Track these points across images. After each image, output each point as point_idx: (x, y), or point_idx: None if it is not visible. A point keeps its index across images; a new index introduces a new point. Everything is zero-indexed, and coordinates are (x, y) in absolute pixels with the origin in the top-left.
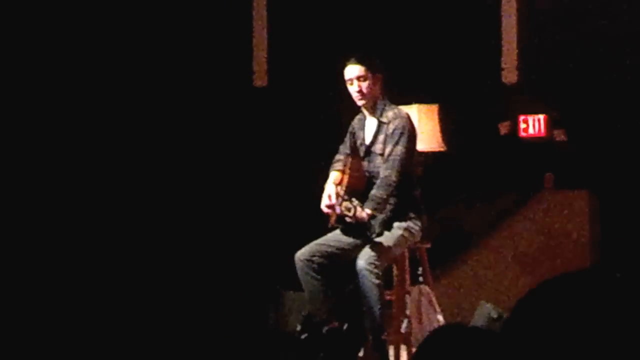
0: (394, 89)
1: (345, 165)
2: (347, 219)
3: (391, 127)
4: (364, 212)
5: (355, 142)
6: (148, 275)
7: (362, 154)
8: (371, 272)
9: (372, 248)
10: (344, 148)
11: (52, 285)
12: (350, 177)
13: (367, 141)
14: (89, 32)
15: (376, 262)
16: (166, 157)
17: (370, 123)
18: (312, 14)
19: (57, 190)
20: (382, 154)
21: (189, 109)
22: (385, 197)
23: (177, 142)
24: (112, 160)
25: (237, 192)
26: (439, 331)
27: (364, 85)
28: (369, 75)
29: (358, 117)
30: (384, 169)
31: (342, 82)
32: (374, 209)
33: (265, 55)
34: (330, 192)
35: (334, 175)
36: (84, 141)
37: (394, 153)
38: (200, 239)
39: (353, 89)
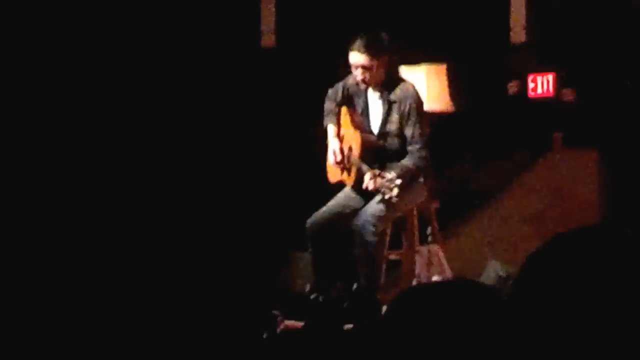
0: (403, 49)
1: (346, 121)
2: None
3: (404, 106)
4: (393, 175)
5: (350, 101)
6: (157, 239)
7: (373, 131)
8: (368, 229)
9: (374, 207)
10: (334, 97)
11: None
12: (363, 136)
13: (377, 121)
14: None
15: (374, 221)
16: (173, 122)
17: (375, 99)
18: None
19: (42, 174)
20: (396, 135)
21: (196, 70)
22: (413, 168)
23: (184, 105)
24: (118, 124)
25: (246, 155)
26: (410, 291)
27: (368, 74)
28: (374, 62)
29: (355, 80)
30: (412, 147)
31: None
32: (399, 175)
33: (274, 16)
34: (335, 148)
35: (332, 129)
36: (85, 109)
37: (417, 133)
38: (209, 201)
39: (357, 74)
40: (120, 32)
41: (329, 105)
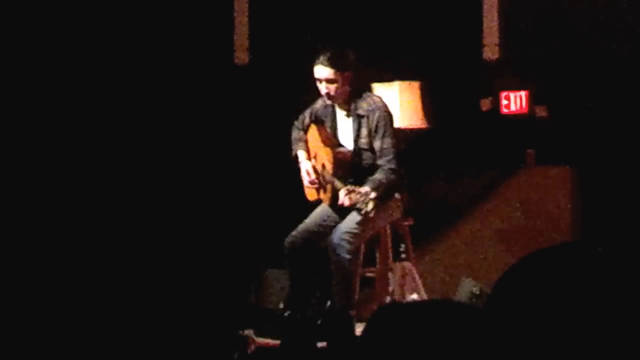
0: (375, 66)
1: (315, 139)
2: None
3: (373, 120)
4: (367, 189)
5: (320, 123)
6: (127, 253)
7: (348, 148)
8: (343, 246)
9: (349, 224)
10: (301, 125)
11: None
12: (334, 152)
13: (348, 138)
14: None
15: (350, 238)
16: (145, 136)
17: (342, 116)
18: None
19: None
20: (369, 149)
21: (170, 87)
22: (385, 182)
23: (156, 120)
24: (86, 139)
25: (218, 170)
26: (384, 309)
27: (332, 87)
28: (338, 76)
29: (322, 103)
30: (381, 161)
31: None
32: (373, 189)
33: (247, 33)
34: (308, 168)
35: (303, 154)
36: (60, 123)
37: (386, 145)
38: (180, 217)
39: (322, 88)
40: (92, 47)
41: (296, 134)
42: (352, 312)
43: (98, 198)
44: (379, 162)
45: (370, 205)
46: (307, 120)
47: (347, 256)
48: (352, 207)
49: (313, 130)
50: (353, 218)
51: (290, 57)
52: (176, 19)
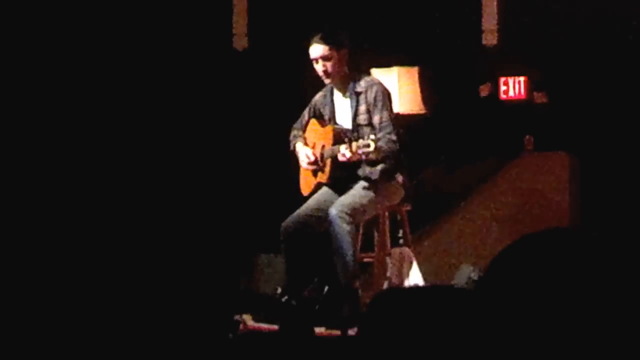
0: (374, 52)
1: (316, 129)
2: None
3: (370, 95)
4: (367, 141)
5: (319, 117)
6: (120, 240)
7: (347, 128)
8: (342, 218)
9: (350, 198)
10: (300, 125)
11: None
12: (334, 128)
13: (347, 118)
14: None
15: (349, 211)
16: (144, 122)
17: (340, 98)
18: None
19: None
20: (368, 124)
21: (169, 73)
22: (386, 149)
23: (155, 106)
24: (85, 127)
25: (216, 156)
26: (384, 294)
27: (329, 64)
28: (334, 53)
29: (321, 93)
30: (381, 134)
31: None
32: (373, 140)
33: (246, 18)
34: (307, 152)
35: (301, 144)
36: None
37: (384, 119)
38: (176, 202)
39: (318, 68)
40: (90, 33)
41: (295, 132)
42: (357, 284)
43: (91, 187)
44: (379, 135)
45: (372, 146)
46: (305, 119)
47: (347, 227)
48: (354, 164)
49: (312, 125)
50: (355, 193)
51: (289, 42)
52: (175, 4)
